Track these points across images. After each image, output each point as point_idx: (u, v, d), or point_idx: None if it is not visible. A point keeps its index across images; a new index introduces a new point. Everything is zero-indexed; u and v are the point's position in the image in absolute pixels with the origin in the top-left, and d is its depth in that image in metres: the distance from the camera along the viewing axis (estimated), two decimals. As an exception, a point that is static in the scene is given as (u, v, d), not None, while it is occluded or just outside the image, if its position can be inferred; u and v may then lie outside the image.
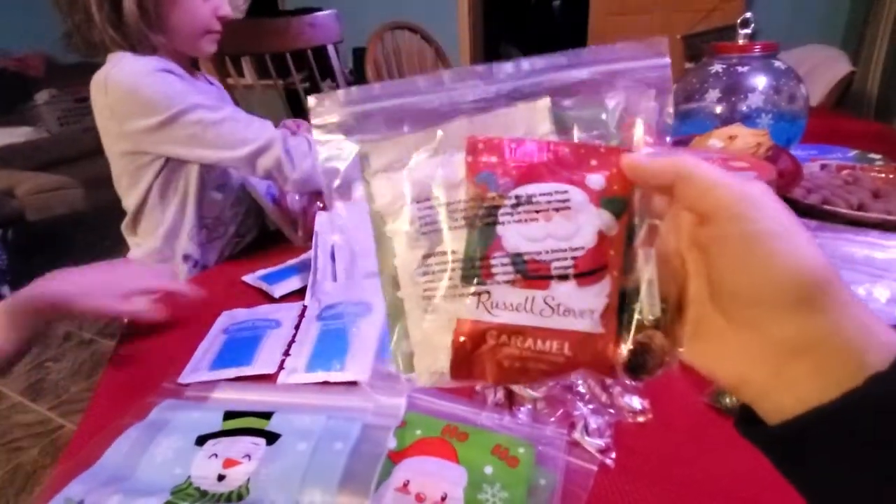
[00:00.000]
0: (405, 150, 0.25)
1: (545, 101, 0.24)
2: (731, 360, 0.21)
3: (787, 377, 0.19)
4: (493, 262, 0.23)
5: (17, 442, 1.50)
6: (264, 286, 0.73)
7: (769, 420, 0.20)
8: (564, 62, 0.24)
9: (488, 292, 0.23)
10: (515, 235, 0.23)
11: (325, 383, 0.53)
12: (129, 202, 0.90)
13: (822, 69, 1.95)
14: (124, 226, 0.95)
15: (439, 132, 0.25)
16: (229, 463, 0.43)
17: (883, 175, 0.86)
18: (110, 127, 0.84)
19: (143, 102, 0.78)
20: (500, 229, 0.23)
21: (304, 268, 0.74)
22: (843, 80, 1.94)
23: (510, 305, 0.23)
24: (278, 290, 0.72)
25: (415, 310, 0.25)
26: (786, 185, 0.73)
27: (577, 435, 0.43)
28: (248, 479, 0.41)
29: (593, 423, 0.44)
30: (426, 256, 0.25)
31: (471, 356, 0.24)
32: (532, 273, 0.23)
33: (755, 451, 0.43)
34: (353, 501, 0.38)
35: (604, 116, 0.25)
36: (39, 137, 3.05)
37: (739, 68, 0.93)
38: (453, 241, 0.24)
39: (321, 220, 0.76)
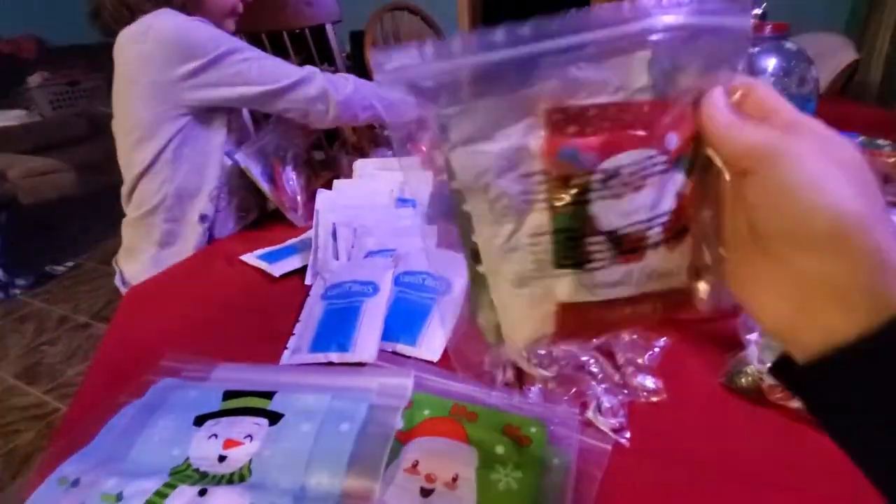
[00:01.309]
0: (488, 120, 0.23)
1: (645, 54, 0.22)
2: (764, 294, 0.22)
3: (810, 312, 0.20)
4: (589, 243, 0.23)
5: (13, 425, 1.49)
6: (263, 265, 0.72)
7: (800, 360, 0.21)
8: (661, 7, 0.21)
9: (587, 273, 0.23)
10: (608, 213, 0.22)
11: (330, 364, 0.52)
12: (141, 156, 0.87)
13: (827, 56, 1.93)
14: (125, 189, 0.92)
15: (524, 96, 0.22)
16: (230, 444, 0.41)
17: (892, 160, 0.84)
18: (139, 76, 0.84)
19: (189, 45, 0.82)
20: (593, 209, 0.22)
21: (305, 246, 0.73)
22: (847, 68, 1.93)
23: (610, 283, 0.23)
24: (278, 269, 0.70)
25: (502, 284, 0.25)
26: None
27: (590, 414, 0.42)
28: (251, 460, 0.40)
29: (606, 402, 0.43)
30: (513, 233, 0.23)
31: (571, 333, 0.26)
32: (628, 248, 0.23)
33: (770, 431, 0.42)
34: (362, 483, 0.37)
35: (681, 68, 0.22)
36: (32, 121, 3.00)
37: (750, 49, 0.90)
38: (541, 219, 0.23)
39: (322, 198, 0.74)
